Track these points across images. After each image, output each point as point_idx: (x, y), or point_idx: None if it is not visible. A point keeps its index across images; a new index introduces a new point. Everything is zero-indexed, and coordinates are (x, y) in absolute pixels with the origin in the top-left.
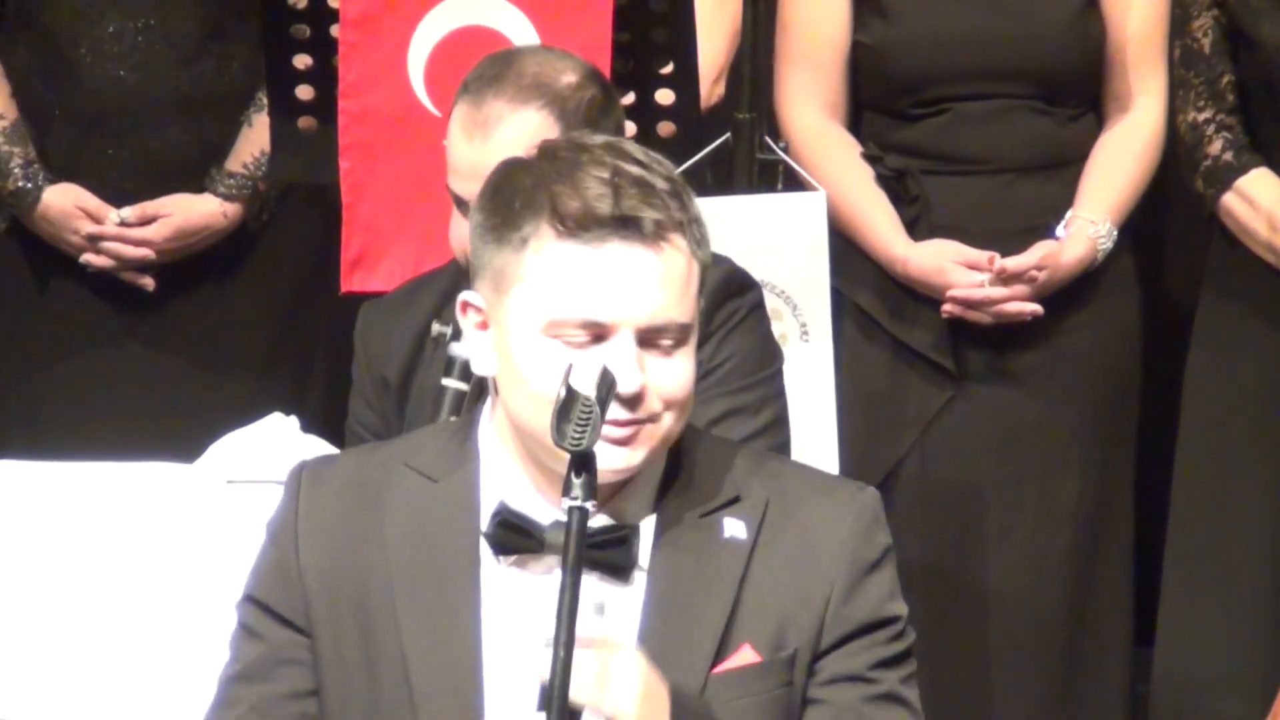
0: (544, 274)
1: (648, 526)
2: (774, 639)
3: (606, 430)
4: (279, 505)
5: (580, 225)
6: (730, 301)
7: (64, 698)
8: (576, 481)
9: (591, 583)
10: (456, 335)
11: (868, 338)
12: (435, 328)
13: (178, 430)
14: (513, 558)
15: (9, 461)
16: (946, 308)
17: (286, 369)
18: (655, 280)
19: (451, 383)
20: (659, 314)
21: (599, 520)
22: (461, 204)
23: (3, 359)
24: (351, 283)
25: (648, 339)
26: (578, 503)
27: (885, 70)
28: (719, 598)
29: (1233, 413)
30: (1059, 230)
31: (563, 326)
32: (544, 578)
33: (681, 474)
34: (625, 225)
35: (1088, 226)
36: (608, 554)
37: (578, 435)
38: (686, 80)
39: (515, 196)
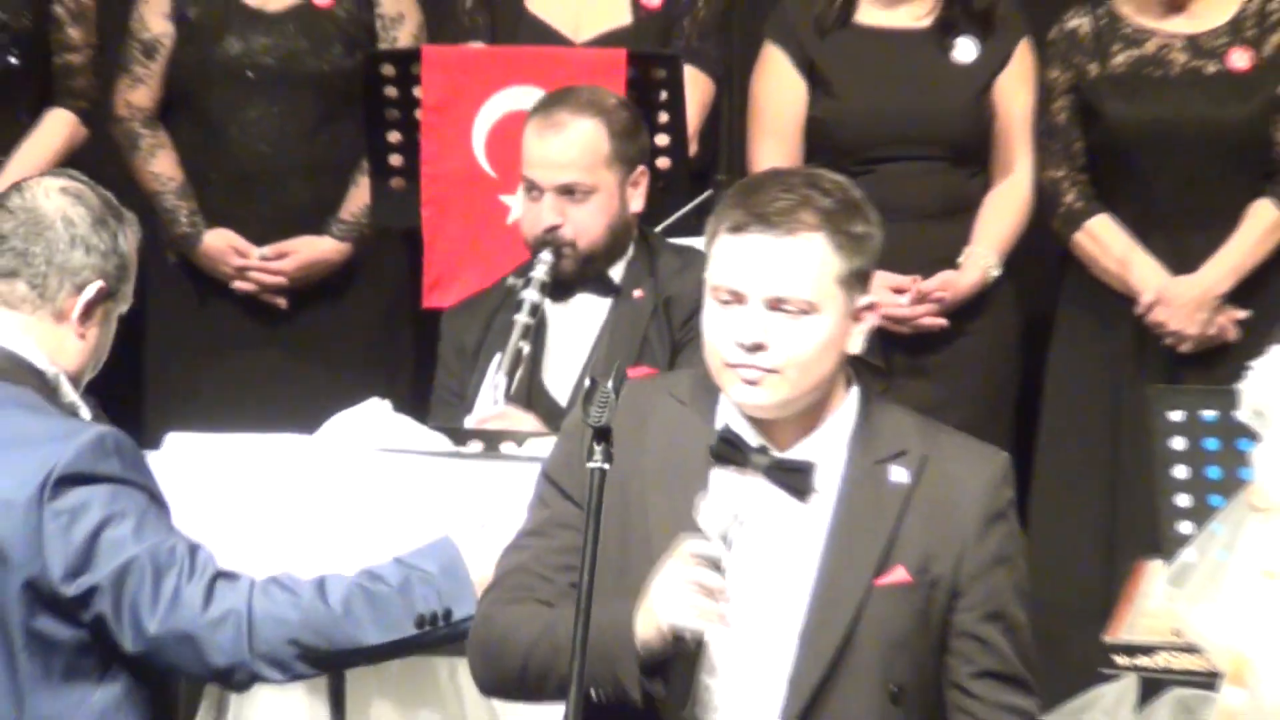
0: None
1: (837, 465)
2: (921, 565)
3: (740, 373)
4: (565, 438)
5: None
6: None
7: None
8: (598, 448)
9: (774, 493)
10: (527, 284)
11: None
12: (510, 280)
13: (301, 410)
14: (730, 466)
15: (177, 434)
16: (880, 321)
17: (382, 365)
18: (782, 261)
19: (520, 317)
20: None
21: (790, 454)
22: (532, 189)
23: (173, 359)
24: (430, 300)
25: (774, 305)
26: (597, 464)
27: (832, 138)
28: (882, 527)
29: (1080, 394)
30: (962, 260)
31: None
32: (749, 480)
33: (865, 430)
34: (760, 215)
35: (980, 259)
36: (791, 478)
37: (597, 413)
38: (679, 134)
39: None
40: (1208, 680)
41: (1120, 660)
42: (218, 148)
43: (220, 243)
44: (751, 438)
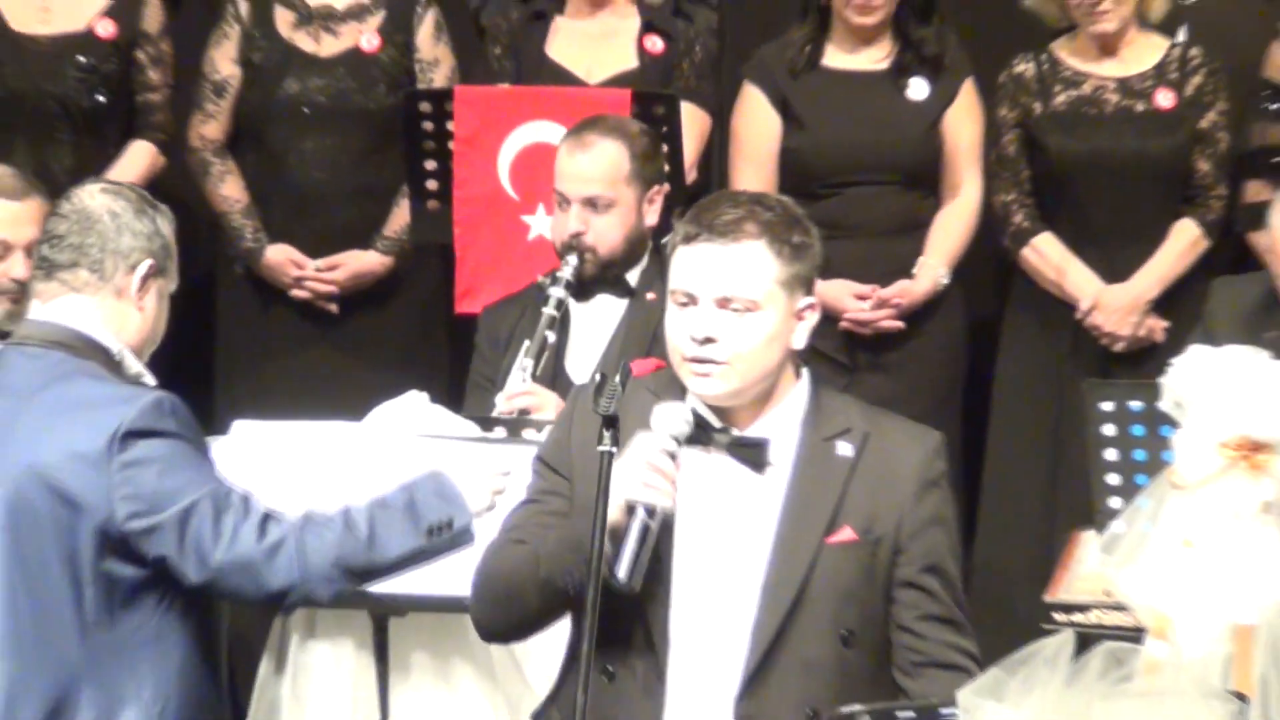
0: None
1: (790, 442)
2: (866, 526)
3: (695, 366)
4: (570, 400)
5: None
6: None
7: None
8: (606, 434)
9: (736, 467)
10: (554, 282)
11: None
12: (540, 279)
13: (350, 401)
14: (697, 446)
15: (243, 421)
16: (843, 324)
17: (420, 362)
18: (728, 265)
19: (548, 309)
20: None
21: (747, 433)
22: (562, 200)
23: (240, 356)
24: (461, 307)
25: (722, 304)
26: (606, 448)
27: (803, 165)
28: (831, 493)
29: (1026, 387)
30: (916, 270)
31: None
32: (712, 458)
33: (815, 412)
34: (711, 226)
35: (932, 269)
36: (749, 453)
37: (606, 404)
38: (676, 162)
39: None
40: (1134, 635)
41: (1059, 617)
42: (278, 174)
43: (280, 256)
44: (714, 420)
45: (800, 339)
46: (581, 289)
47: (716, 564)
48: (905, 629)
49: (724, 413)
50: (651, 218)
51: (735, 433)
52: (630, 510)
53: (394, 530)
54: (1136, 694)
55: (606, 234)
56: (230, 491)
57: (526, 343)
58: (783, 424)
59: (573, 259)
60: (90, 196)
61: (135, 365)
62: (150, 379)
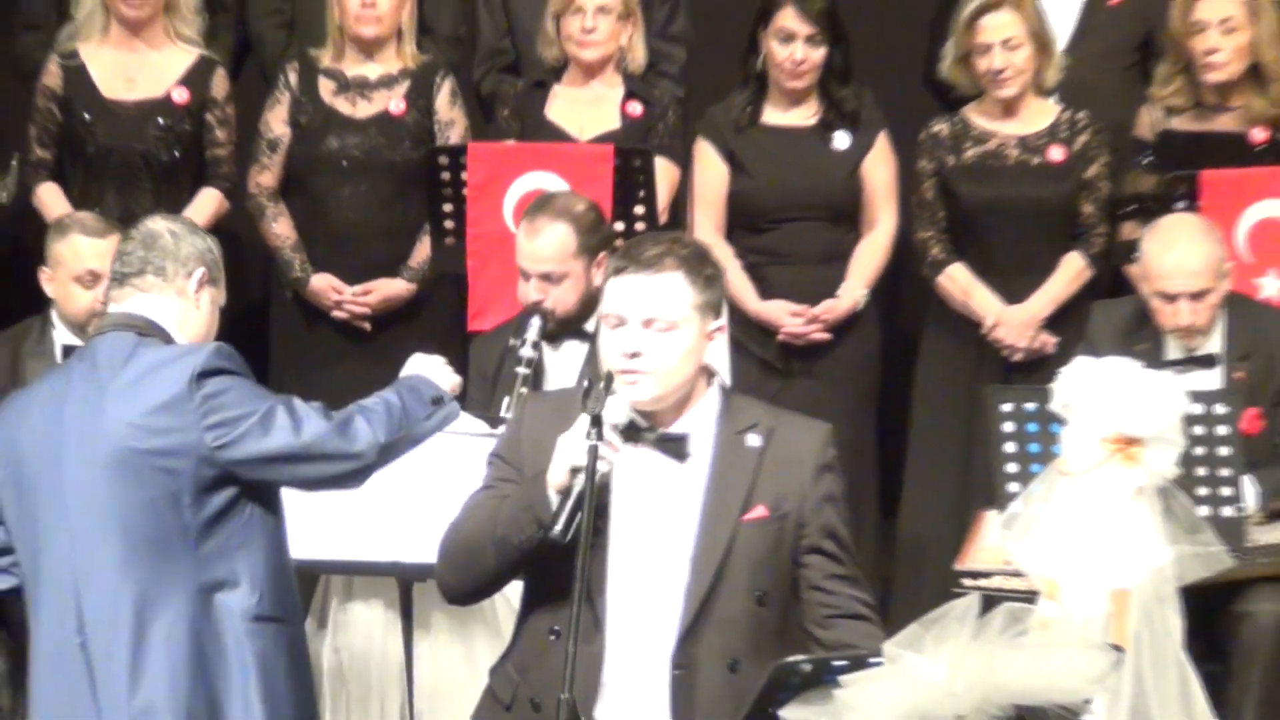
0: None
1: (707, 436)
2: (775, 504)
3: (625, 377)
4: (517, 406)
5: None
6: None
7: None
8: (592, 431)
9: (662, 459)
10: (523, 344)
11: (741, 353)
12: (511, 342)
13: None
14: (629, 443)
15: None
16: (781, 336)
17: None
18: (652, 291)
19: (520, 369)
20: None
21: (672, 429)
22: (525, 275)
23: (290, 366)
24: (473, 325)
25: (647, 324)
26: (592, 441)
27: (746, 206)
28: (744, 477)
29: (940, 390)
30: (840, 291)
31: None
32: (642, 453)
33: (726, 411)
34: (636, 260)
35: (853, 291)
36: (671, 446)
37: (593, 405)
38: (651, 206)
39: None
40: (1029, 597)
41: (967, 583)
42: (321, 216)
43: (323, 284)
44: (641, 421)
45: (710, 356)
46: (551, 339)
47: (649, 541)
48: (815, 588)
49: (649, 415)
50: (599, 278)
51: (660, 431)
52: (574, 473)
53: (414, 404)
54: (1031, 646)
55: (563, 299)
56: (291, 398)
57: (507, 398)
58: (699, 422)
59: (536, 320)
60: (153, 222)
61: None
62: None
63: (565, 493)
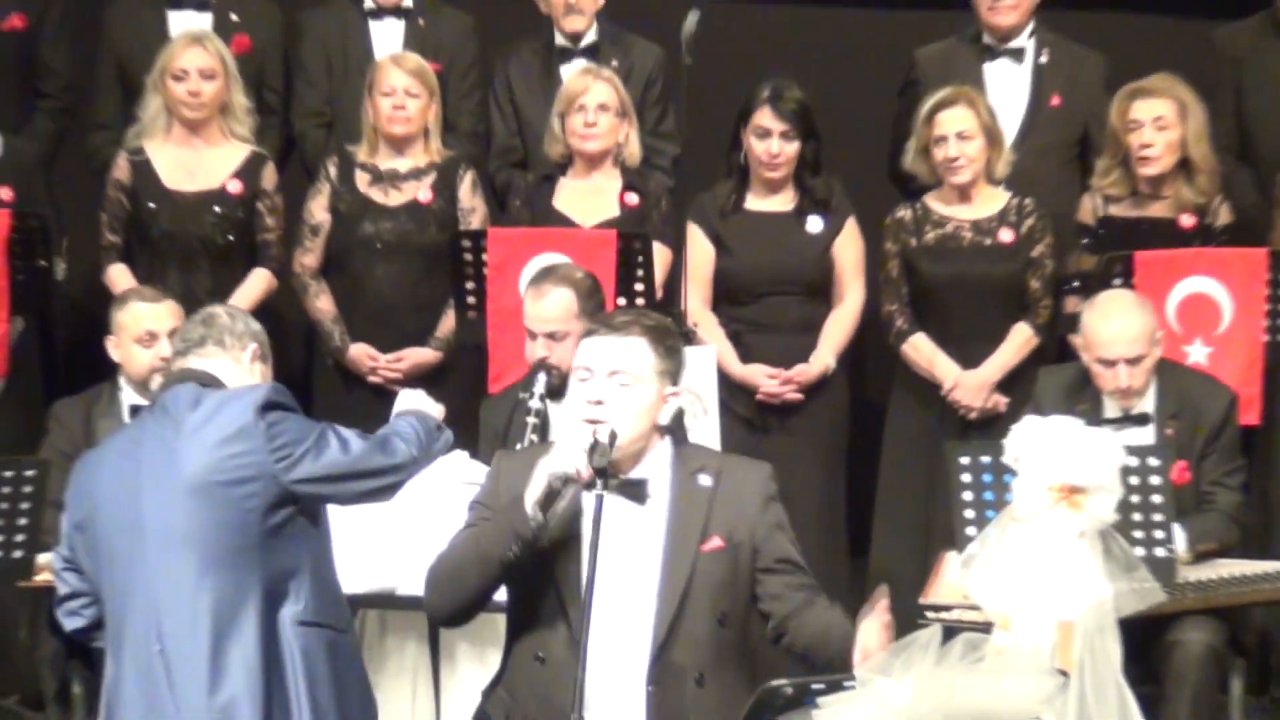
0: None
1: (664, 479)
2: (729, 534)
3: (587, 423)
4: (495, 461)
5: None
6: None
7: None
8: (599, 481)
9: (624, 503)
10: (531, 396)
11: (725, 411)
12: (520, 395)
13: None
14: (590, 489)
15: None
16: (759, 396)
17: (463, 428)
18: (618, 349)
19: (530, 419)
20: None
21: (632, 474)
22: (532, 334)
23: (330, 420)
24: (493, 388)
25: (611, 375)
26: (599, 491)
27: (730, 282)
28: (700, 513)
29: (906, 445)
30: (811, 358)
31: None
32: (606, 498)
33: (679, 457)
34: (607, 324)
35: (823, 357)
36: (631, 490)
37: (599, 460)
38: (649, 284)
39: None
40: (985, 628)
41: (930, 615)
42: (357, 292)
43: (360, 353)
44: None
45: (664, 416)
46: (555, 394)
47: (619, 575)
48: (775, 597)
49: (611, 464)
50: None
51: (622, 477)
52: (553, 482)
53: (425, 430)
54: (987, 671)
55: (565, 357)
56: (336, 425)
57: (519, 446)
58: (655, 468)
59: (542, 376)
60: (211, 307)
61: None
62: None
63: (544, 504)
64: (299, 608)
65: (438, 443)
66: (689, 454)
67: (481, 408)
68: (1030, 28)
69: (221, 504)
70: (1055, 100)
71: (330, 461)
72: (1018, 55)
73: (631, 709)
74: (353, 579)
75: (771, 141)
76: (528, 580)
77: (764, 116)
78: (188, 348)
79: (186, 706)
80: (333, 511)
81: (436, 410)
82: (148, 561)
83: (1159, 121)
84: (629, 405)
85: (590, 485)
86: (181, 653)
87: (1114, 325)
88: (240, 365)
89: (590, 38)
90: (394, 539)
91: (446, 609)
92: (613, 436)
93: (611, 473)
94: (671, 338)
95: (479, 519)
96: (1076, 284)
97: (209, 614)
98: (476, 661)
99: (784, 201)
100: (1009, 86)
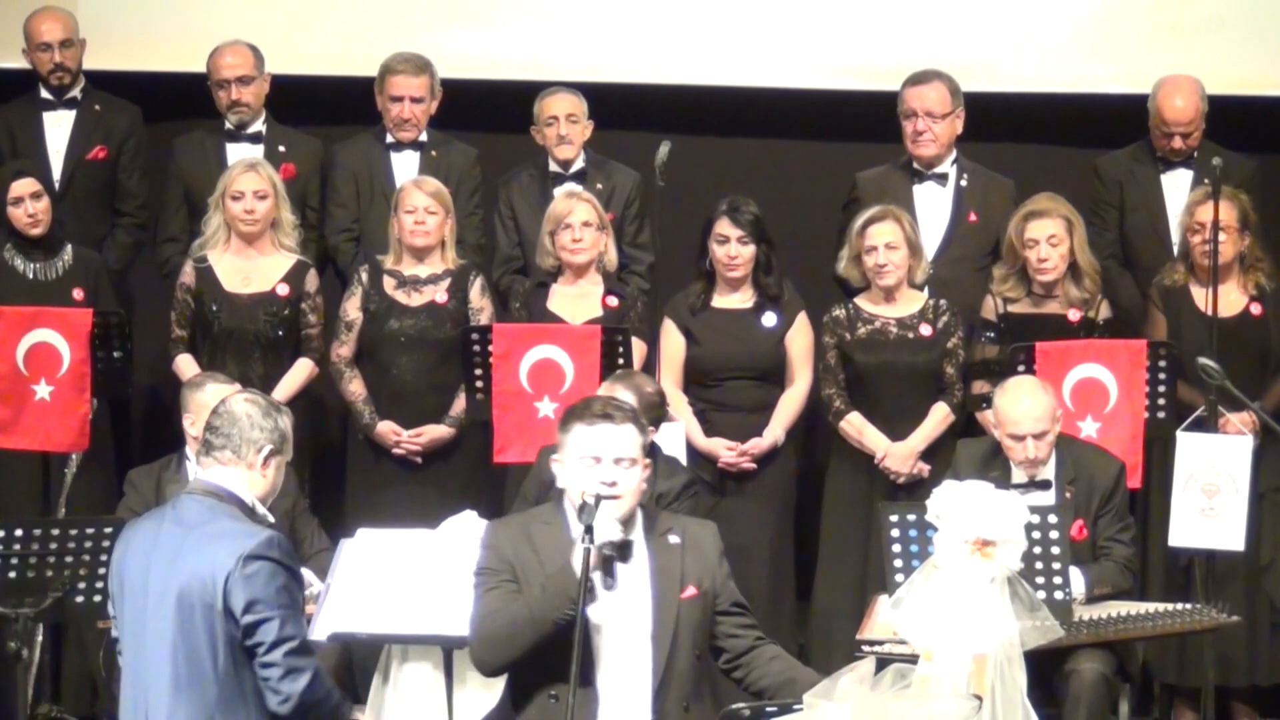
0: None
1: (641, 541)
2: (698, 582)
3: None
4: (489, 532)
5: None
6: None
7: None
8: (587, 536)
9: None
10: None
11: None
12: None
13: (429, 517)
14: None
15: (364, 529)
16: (720, 464)
17: (472, 493)
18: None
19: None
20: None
21: (625, 536)
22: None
23: (360, 489)
24: (497, 459)
25: (617, 461)
26: (587, 544)
27: (698, 368)
28: (676, 568)
29: (844, 506)
30: (764, 433)
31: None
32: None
33: (649, 522)
34: (604, 415)
35: (773, 432)
36: (620, 550)
37: (586, 518)
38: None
39: None
40: (912, 659)
41: (865, 648)
42: (384, 378)
43: (386, 429)
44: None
45: (643, 484)
46: None
47: (617, 623)
48: (731, 635)
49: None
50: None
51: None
52: (609, 549)
53: (334, 710)
54: (914, 696)
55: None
56: (293, 620)
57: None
58: (635, 531)
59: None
60: (237, 403)
61: (261, 510)
62: (270, 519)
63: (602, 569)
64: None
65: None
66: (654, 518)
67: (540, 454)
68: (953, 156)
69: (196, 625)
70: (973, 217)
71: (264, 639)
72: (942, 179)
73: None
74: (381, 621)
75: (730, 246)
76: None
77: (724, 225)
78: (209, 449)
79: None
80: (363, 562)
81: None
82: (145, 654)
83: (1052, 239)
84: (633, 483)
85: (615, 549)
86: None
87: (1022, 406)
88: (253, 470)
89: (578, 165)
90: (415, 587)
91: (499, 664)
92: (596, 500)
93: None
94: (642, 418)
95: (500, 581)
96: (982, 370)
97: None
98: (482, 686)
99: (744, 299)
100: (934, 205)
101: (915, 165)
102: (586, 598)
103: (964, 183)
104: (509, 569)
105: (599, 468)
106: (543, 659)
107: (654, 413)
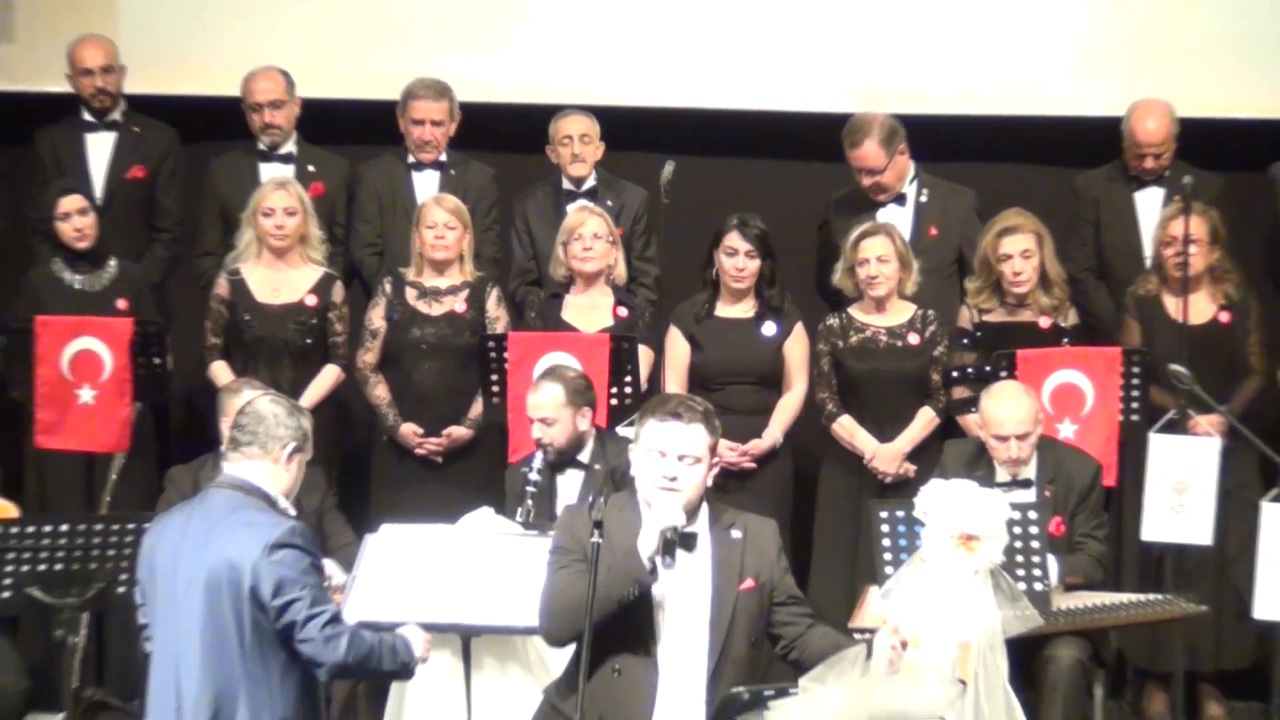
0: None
1: (705, 532)
2: (756, 576)
3: (663, 494)
4: (564, 514)
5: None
6: None
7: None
8: (596, 531)
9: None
10: (530, 470)
11: None
12: (522, 470)
13: (448, 513)
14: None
15: (388, 524)
16: (723, 465)
17: (489, 490)
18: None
19: (529, 488)
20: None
21: (689, 528)
22: (530, 420)
23: (385, 486)
24: (513, 459)
25: (680, 458)
26: (596, 540)
27: (702, 374)
28: (736, 560)
29: (837, 503)
30: (764, 434)
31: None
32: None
33: (714, 516)
34: (674, 414)
35: (772, 434)
36: (687, 540)
37: (596, 514)
38: (636, 378)
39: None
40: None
41: (857, 636)
42: (407, 384)
43: (408, 431)
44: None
45: (708, 480)
46: (557, 468)
47: (678, 608)
48: (787, 624)
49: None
50: (583, 424)
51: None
52: (670, 532)
53: (387, 658)
54: (902, 679)
55: (554, 437)
56: (321, 597)
57: (519, 508)
58: (699, 524)
59: (539, 454)
60: (262, 403)
61: (284, 503)
62: (292, 511)
63: (663, 552)
64: (279, 706)
65: (389, 673)
66: (719, 512)
67: (506, 475)
68: (911, 175)
69: (223, 606)
70: (933, 231)
71: (292, 618)
72: (902, 199)
73: (695, 712)
74: (403, 610)
75: (739, 258)
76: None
77: (733, 239)
78: (237, 444)
79: None
80: (386, 554)
81: (419, 651)
82: (176, 635)
83: (1025, 254)
84: (694, 479)
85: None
86: None
87: (1006, 409)
88: (278, 465)
89: (590, 183)
90: (435, 578)
91: (566, 637)
92: (609, 497)
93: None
94: (715, 419)
95: (570, 560)
96: (959, 375)
97: (209, 703)
98: (499, 673)
99: (746, 309)
100: (896, 224)
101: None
102: (654, 579)
103: (924, 199)
104: (580, 550)
105: (663, 462)
106: (609, 635)
107: (584, 396)
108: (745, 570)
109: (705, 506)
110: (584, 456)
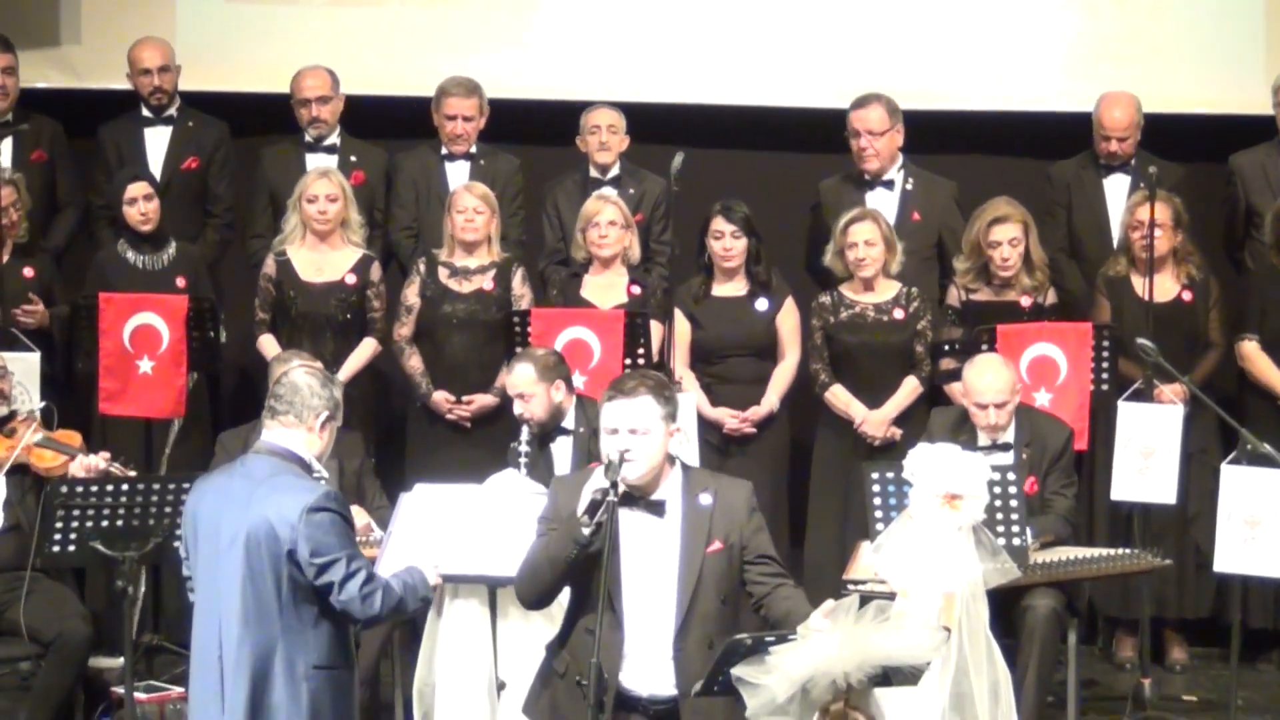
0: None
1: (676, 499)
2: (725, 538)
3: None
4: (552, 486)
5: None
6: None
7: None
8: (613, 488)
9: (648, 517)
10: (519, 443)
11: (702, 441)
12: (511, 445)
13: (476, 474)
14: (625, 505)
15: (421, 484)
16: (725, 430)
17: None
18: (633, 409)
19: (521, 460)
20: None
21: (654, 496)
22: (511, 395)
23: (419, 449)
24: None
25: (631, 431)
26: (613, 498)
27: (703, 348)
28: (704, 524)
29: (830, 466)
30: (762, 402)
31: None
32: (634, 514)
33: (686, 481)
34: (621, 392)
35: (769, 401)
36: (654, 508)
37: (612, 475)
38: (648, 351)
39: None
40: (891, 596)
41: (850, 587)
42: (439, 355)
43: (440, 398)
44: (634, 493)
45: (672, 448)
46: (547, 437)
47: (647, 571)
48: (757, 582)
49: (638, 489)
50: (557, 396)
51: (648, 498)
52: (597, 494)
53: (410, 598)
54: (892, 626)
55: (534, 410)
56: (356, 556)
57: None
58: (670, 491)
59: (525, 427)
60: (298, 374)
61: (319, 468)
62: (325, 474)
63: (590, 512)
64: (314, 655)
65: (414, 609)
66: (693, 477)
67: (508, 454)
68: (899, 164)
69: (263, 562)
70: (916, 216)
71: (330, 579)
72: (890, 185)
73: (661, 668)
74: (434, 561)
75: (725, 240)
76: (584, 575)
77: (719, 223)
78: (274, 413)
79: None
80: (419, 512)
81: (432, 579)
82: (218, 590)
83: (1013, 241)
84: (646, 450)
85: (614, 492)
86: (231, 679)
87: (986, 379)
88: (312, 433)
89: (615, 171)
90: (464, 534)
91: (531, 598)
92: (621, 456)
93: (639, 494)
94: (668, 388)
95: (547, 530)
96: (946, 349)
97: (250, 655)
98: (523, 620)
99: (738, 287)
100: (882, 208)
101: (865, 175)
102: (592, 540)
103: (909, 186)
104: (559, 519)
105: (616, 438)
106: (586, 598)
107: (555, 370)
108: (714, 533)
109: (680, 474)
110: (568, 424)
